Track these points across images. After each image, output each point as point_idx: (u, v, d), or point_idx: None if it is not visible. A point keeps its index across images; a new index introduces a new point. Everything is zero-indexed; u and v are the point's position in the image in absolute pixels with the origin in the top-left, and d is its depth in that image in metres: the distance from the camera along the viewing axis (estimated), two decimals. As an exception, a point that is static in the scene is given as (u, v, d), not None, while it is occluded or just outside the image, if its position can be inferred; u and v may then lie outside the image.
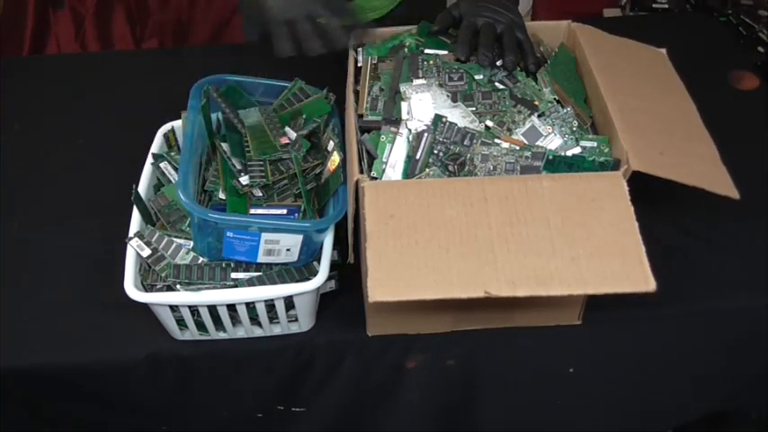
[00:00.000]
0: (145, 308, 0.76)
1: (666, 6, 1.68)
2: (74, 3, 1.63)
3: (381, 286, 0.64)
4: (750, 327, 0.83)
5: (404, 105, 0.77)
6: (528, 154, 0.73)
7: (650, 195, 0.71)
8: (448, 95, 0.79)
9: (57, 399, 0.84)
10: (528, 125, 0.76)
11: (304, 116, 0.88)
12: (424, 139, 0.73)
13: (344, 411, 0.88)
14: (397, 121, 0.77)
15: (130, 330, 0.81)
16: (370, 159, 0.77)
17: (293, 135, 0.84)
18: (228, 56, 1.18)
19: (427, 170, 0.74)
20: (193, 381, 0.84)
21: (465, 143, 0.74)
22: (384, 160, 0.75)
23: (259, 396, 0.86)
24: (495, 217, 0.68)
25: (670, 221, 0.87)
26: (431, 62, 0.82)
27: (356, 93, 0.83)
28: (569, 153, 0.75)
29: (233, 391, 0.86)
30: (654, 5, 1.68)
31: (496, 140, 0.74)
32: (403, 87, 0.79)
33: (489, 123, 0.77)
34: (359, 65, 0.86)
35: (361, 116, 0.80)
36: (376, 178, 0.75)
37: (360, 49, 0.88)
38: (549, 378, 0.86)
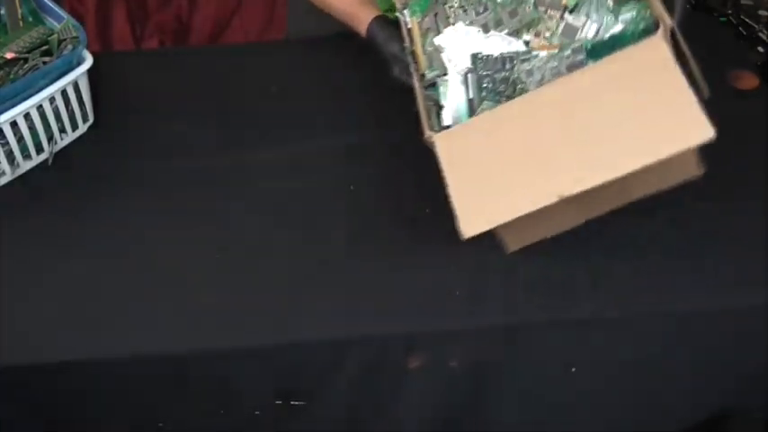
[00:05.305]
0: (144, 307, 0.79)
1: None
2: (74, 3, 1.53)
3: (471, 220, 0.73)
4: (750, 327, 0.81)
5: (444, 56, 0.84)
6: (568, 53, 0.77)
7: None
8: (479, 30, 0.83)
9: (56, 398, 0.84)
10: (562, 25, 0.79)
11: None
12: (469, 80, 0.80)
13: (345, 411, 0.87)
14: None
15: (130, 329, 0.80)
16: (438, 110, 0.84)
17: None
18: (229, 56, 1.17)
19: (483, 104, 0.80)
20: (192, 379, 0.83)
21: (507, 67, 0.79)
22: (447, 106, 0.82)
23: (258, 395, 0.86)
24: (555, 122, 0.73)
25: (669, 220, 0.85)
26: (454, 7, 0.86)
27: (412, 53, 0.89)
28: (608, 35, 0.77)
29: (232, 391, 0.85)
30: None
31: (533, 53, 0.78)
32: (437, 41, 0.85)
33: (527, 38, 0.81)
34: (408, 27, 0.91)
35: (423, 75, 0.86)
36: (448, 126, 0.82)
37: (405, 11, 0.93)
38: (550, 378, 0.86)
